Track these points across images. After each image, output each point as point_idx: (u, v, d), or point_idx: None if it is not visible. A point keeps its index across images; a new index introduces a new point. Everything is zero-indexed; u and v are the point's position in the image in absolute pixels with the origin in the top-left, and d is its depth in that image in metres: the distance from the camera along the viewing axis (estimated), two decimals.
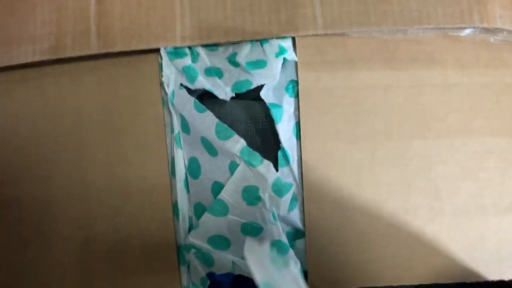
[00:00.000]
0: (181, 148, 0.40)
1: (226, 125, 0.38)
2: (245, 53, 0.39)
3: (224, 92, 0.39)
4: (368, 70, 0.39)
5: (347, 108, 0.39)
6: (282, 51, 0.38)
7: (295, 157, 0.38)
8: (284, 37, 0.39)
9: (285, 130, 0.38)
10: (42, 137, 0.41)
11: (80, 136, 0.40)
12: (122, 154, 0.40)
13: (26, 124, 0.41)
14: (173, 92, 0.39)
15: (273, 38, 0.39)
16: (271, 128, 0.39)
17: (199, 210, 0.40)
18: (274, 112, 0.38)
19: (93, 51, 0.40)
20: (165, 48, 0.40)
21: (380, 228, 0.38)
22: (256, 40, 0.39)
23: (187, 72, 0.39)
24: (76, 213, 0.40)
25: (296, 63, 0.39)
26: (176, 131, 0.40)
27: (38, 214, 0.40)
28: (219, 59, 0.40)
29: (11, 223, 0.40)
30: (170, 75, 0.40)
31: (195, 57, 0.40)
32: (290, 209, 0.38)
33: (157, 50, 0.40)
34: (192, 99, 0.39)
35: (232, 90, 0.39)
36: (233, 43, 0.40)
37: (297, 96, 0.39)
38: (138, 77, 0.41)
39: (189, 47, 0.40)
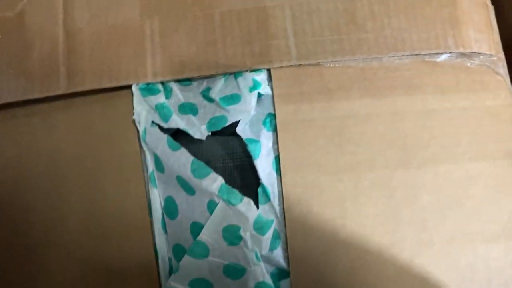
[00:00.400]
0: (156, 187, 0.38)
1: (202, 163, 0.36)
2: (218, 88, 0.38)
3: (199, 131, 0.37)
4: (347, 99, 0.38)
5: (328, 139, 0.37)
6: (256, 85, 0.37)
7: (276, 193, 0.37)
8: (257, 70, 0.38)
9: (264, 165, 0.37)
10: (16, 180, 0.39)
11: (55, 177, 0.39)
12: (99, 193, 0.38)
13: None
14: (145, 129, 0.38)
15: (247, 71, 0.38)
16: (249, 164, 0.38)
17: (178, 251, 0.38)
18: (251, 147, 0.37)
19: (63, 90, 0.39)
20: (137, 85, 0.39)
21: (367, 263, 0.37)
22: (230, 74, 0.38)
23: (161, 111, 0.38)
24: (53, 257, 0.38)
25: (272, 96, 0.38)
26: (150, 170, 0.38)
27: (16, 258, 0.38)
28: (193, 94, 0.39)
29: None
30: (142, 112, 0.38)
31: (168, 92, 0.39)
32: (273, 248, 0.37)
33: (130, 86, 0.39)
34: (165, 137, 0.38)
35: (208, 128, 0.37)
36: (207, 77, 0.39)
37: (275, 129, 0.38)
38: (112, 114, 0.39)
39: (162, 83, 0.39)
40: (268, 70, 0.38)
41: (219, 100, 0.38)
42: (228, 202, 0.36)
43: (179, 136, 0.39)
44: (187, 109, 0.38)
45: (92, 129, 0.39)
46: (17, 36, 0.41)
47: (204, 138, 0.37)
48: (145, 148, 0.38)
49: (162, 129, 0.38)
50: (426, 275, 0.37)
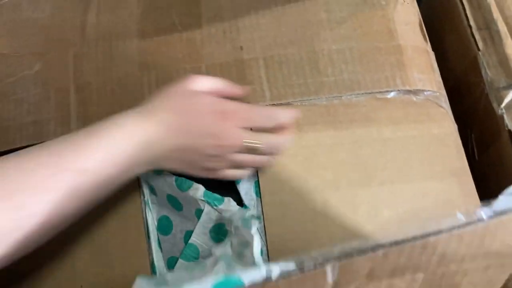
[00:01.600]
0: (151, 211, 0.44)
1: (183, 178, 0.43)
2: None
3: None
4: (314, 132, 0.45)
5: (299, 165, 0.44)
6: None
7: (255, 213, 0.43)
8: None
9: (246, 189, 0.44)
10: None
11: None
12: (101, 222, 0.44)
13: None
14: None
15: None
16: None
17: (172, 263, 0.43)
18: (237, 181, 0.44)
19: None
20: None
21: None
22: None
23: None
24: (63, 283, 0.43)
25: None
26: (146, 196, 0.44)
27: None
28: None
29: None
30: None
31: None
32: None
33: None
34: None
35: None
36: None
37: None
38: None
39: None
40: None
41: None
42: (213, 204, 0.42)
43: None
44: None
45: None
46: (34, 90, 0.48)
47: None
48: (141, 178, 0.45)
49: None
50: None
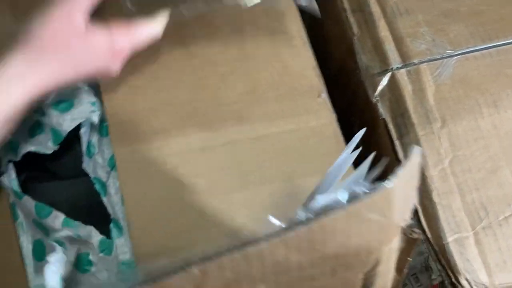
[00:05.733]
0: (26, 234, 0.39)
1: (43, 204, 0.38)
2: (51, 99, 0.40)
3: (47, 147, 0.40)
4: (183, 136, 0.41)
5: (168, 173, 0.40)
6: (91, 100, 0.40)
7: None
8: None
9: (114, 202, 0.39)
10: None
11: None
12: None
13: None
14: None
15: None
16: (97, 202, 0.39)
17: None
18: (98, 187, 0.39)
19: None
20: None
21: None
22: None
23: (9, 146, 0.39)
24: None
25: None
26: (20, 218, 0.39)
27: None
28: (37, 114, 0.41)
29: None
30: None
31: None
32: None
33: None
34: (12, 191, 0.39)
35: (53, 142, 0.39)
36: None
37: None
38: None
39: None
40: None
41: (53, 106, 0.40)
42: (75, 235, 0.37)
43: (28, 184, 0.41)
44: (33, 129, 0.40)
45: None
46: None
47: (50, 151, 0.40)
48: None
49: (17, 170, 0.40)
50: None
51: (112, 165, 0.41)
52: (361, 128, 0.49)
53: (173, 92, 0.43)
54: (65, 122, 0.39)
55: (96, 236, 0.37)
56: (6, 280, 0.39)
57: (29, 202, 0.38)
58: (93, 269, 0.37)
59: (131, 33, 0.36)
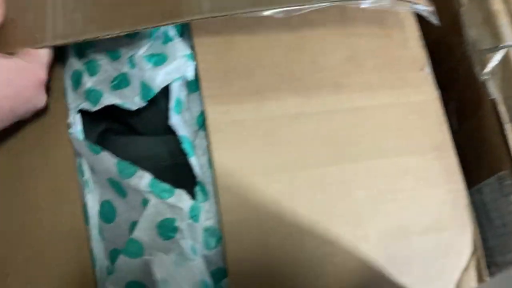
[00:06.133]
0: (92, 193, 0.37)
1: (127, 162, 0.35)
2: (143, 50, 0.37)
3: (133, 103, 0.36)
4: (277, 99, 0.38)
5: (260, 140, 0.37)
6: (186, 53, 0.37)
7: (212, 192, 0.36)
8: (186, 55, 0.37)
9: (200, 163, 0.36)
10: None
11: None
12: (33, 201, 0.36)
13: None
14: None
15: (158, 27, 0.35)
16: (184, 162, 0.37)
17: (115, 256, 0.36)
18: (186, 146, 0.36)
19: None
20: (70, 79, 0.38)
21: (304, 263, 0.36)
22: (155, 40, 0.38)
23: (89, 95, 0.37)
24: None
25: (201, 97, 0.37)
26: (86, 175, 0.37)
27: None
28: (122, 66, 0.37)
29: None
30: (75, 114, 0.37)
31: (93, 69, 0.38)
32: (211, 247, 0.36)
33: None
34: (83, 143, 0.36)
35: (142, 98, 0.36)
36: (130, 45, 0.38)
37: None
38: (46, 117, 0.38)
39: (88, 62, 0.38)
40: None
41: (145, 58, 0.36)
42: (160, 197, 0.34)
43: (107, 136, 0.38)
44: (119, 82, 0.37)
45: (24, 132, 0.37)
46: None
47: (136, 107, 0.36)
48: (78, 151, 0.37)
49: (92, 125, 0.37)
50: (364, 270, 0.37)
51: (201, 123, 0.38)
52: (458, 107, 0.46)
53: (269, 51, 0.39)
54: (158, 76, 0.35)
55: (187, 201, 0.34)
56: (67, 244, 0.36)
57: (107, 158, 0.35)
58: (177, 235, 0.34)
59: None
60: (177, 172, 0.37)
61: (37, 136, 0.37)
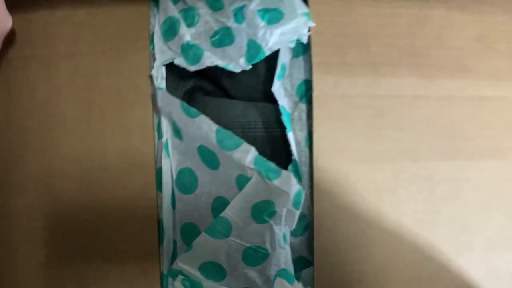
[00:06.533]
0: (169, 157, 0.32)
1: (229, 132, 0.31)
2: (255, 4, 0.32)
3: (238, 64, 0.31)
4: (394, 76, 0.33)
5: (369, 121, 0.33)
6: (304, 11, 0.32)
7: (307, 173, 0.32)
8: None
9: (297, 140, 0.32)
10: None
11: (49, 139, 0.33)
12: (101, 160, 0.32)
13: None
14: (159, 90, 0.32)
15: None
16: (275, 135, 0.32)
17: (189, 232, 0.33)
18: (285, 118, 0.31)
19: None
20: (159, 26, 0.33)
21: (400, 264, 0.33)
22: None
23: (188, 51, 0.31)
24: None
25: (310, 63, 0.32)
26: (165, 137, 0.32)
27: None
28: (226, 18, 0.32)
29: None
30: (160, 67, 0.32)
31: (191, 18, 0.32)
32: (298, 234, 0.32)
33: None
34: (177, 101, 0.32)
35: (247, 60, 0.31)
36: None
37: (310, 102, 0.32)
38: (124, 67, 0.33)
39: (186, 10, 0.33)
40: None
41: (258, 13, 0.31)
42: (265, 177, 0.30)
43: (196, 96, 0.34)
44: (221, 38, 0.32)
45: (97, 83, 0.33)
46: None
47: (240, 70, 0.31)
48: (160, 110, 0.32)
49: (179, 83, 0.33)
50: (463, 280, 0.33)
51: (301, 94, 0.33)
52: None
53: (391, 19, 0.34)
54: (272, 37, 0.30)
55: (294, 186, 0.30)
56: (134, 211, 0.33)
57: (206, 124, 0.31)
58: (273, 220, 0.31)
59: None
60: (269, 145, 0.33)
61: (112, 87, 0.33)
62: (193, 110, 0.31)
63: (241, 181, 0.30)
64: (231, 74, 0.33)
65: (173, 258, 0.33)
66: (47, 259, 0.33)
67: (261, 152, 0.32)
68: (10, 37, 0.32)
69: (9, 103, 0.33)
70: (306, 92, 0.33)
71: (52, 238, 0.33)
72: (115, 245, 0.32)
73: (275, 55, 0.32)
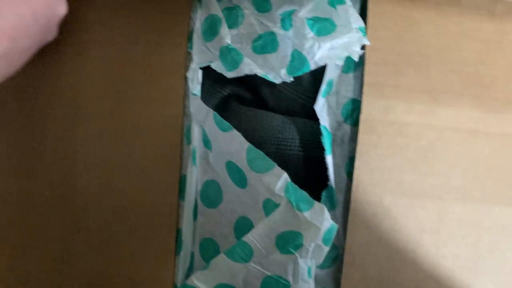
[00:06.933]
0: (196, 166, 0.30)
1: (261, 152, 0.28)
2: (308, 8, 0.29)
3: (279, 75, 0.28)
4: (453, 106, 0.29)
5: (419, 153, 0.29)
6: (360, 25, 0.28)
7: (342, 202, 0.29)
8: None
9: (335, 165, 0.29)
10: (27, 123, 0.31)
11: (73, 136, 0.31)
12: (124, 157, 0.31)
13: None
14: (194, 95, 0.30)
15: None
16: (311, 156, 0.29)
17: (208, 247, 0.30)
18: (326, 140, 0.29)
19: None
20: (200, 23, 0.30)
21: None
22: None
23: (227, 55, 0.29)
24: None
25: (361, 82, 0.29)
26: (194, 144, 0.30)
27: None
28: (272, 23, 0.29)
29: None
30: (197, 70, 0.29)
31: (234, 19, 0.30)
32: (326, 266, 0.29)
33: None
34: (211, 112, 0.29)
35: (289, 72, 0.28)
36: None
37: (356, 124, 0.29)
38: (158, 62, 0.31)
39: (229, 9, 0.30)
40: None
41: (307, 22, 0.28)
42: (295, 207, 0.27)
43: (229, 104, 0.31)
44: (264, 44, 0.29)
45: (128, 76, 0.31)
46: None
47: (280, 82, 0.28)
48: (192, 117, 0.30)
49: (216, 89, 0.30)
50: None
51: (347, 114, 0.30)
52: None
53: (458, 41, 0.30)
54: (320, 50, 0.27)
55: (326, 221, 0.27)
56: (152, 219, 0.31)
57: (238, 140, 0.28)
58: (298, 253, 0.27)
59: None
60: (304, 166, 0.30)
61: (142, 82, 0.31)
62: (226, 124, 0.28)
63: (269, 206, 0.28)
64: (271, 83, 0.30)
65: (189, 270, 0.31)
66: (60, 254, 0.31)
67: (295, 172, 0.29)
68: None
69: (37, 88, 0.31)
70: (352, 113, 0.30)
71: (66, 232, 0.31)
72: (130, 249, 0.31)
73: (322, 67, 0.29)
